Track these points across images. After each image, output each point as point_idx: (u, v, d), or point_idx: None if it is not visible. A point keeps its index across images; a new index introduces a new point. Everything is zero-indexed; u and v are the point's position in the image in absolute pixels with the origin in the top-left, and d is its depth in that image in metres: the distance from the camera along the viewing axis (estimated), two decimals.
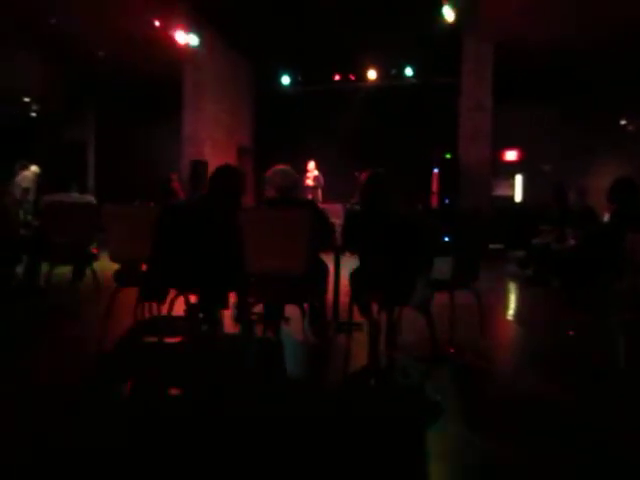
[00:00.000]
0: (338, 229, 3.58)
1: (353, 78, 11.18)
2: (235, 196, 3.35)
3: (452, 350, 3.42)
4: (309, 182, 10.12)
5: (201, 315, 3.49)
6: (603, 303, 3.89)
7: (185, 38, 9.18)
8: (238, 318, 3.61)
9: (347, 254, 3.84)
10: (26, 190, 8.65)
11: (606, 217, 4.97)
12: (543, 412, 2.50)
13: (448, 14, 8.08)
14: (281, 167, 3.41)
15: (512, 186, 11.10)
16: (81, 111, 12.30)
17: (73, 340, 3.53)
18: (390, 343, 3.39)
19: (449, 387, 2.80)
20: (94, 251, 4.58)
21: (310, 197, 10.07)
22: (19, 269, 4.63)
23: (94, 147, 12.64)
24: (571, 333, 3.91)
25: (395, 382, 2.95)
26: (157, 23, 8.68)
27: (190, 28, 9.15)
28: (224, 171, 3.56)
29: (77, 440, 2.11)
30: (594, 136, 10.17)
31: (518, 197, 11.11)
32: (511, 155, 11.10)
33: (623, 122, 10.69)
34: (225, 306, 3.38)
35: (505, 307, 5.12)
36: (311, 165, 10.18)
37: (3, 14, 8.05)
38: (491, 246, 8.19)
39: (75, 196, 4.80)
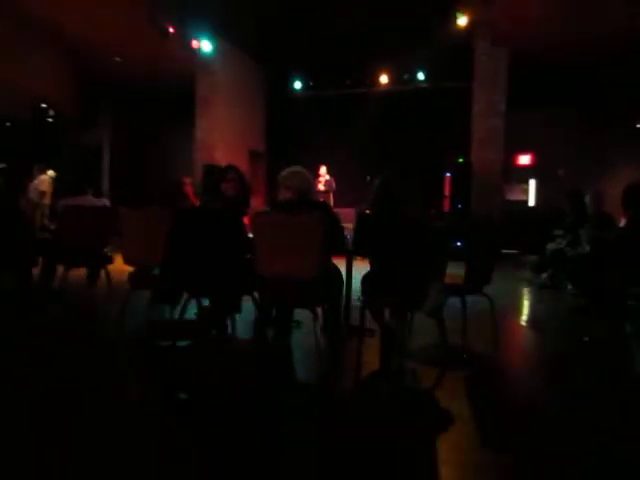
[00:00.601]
0: (349, 233, 3.57)
1: (365, 82, 11.20)
2: (240, 199, 3.34)
3: (465, 356, 3.40)
4: (320, 187, 10.15)
5: (213, 319, 3.51)
6: (619, 309, 3.84)
7: (198, 44, 9.28)
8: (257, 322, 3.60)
9: (358, 258, 3.83)
10: (43, 193, 8.80)
11: (622, 223, 4.91)
12: (552, 416, 2.47)
13: (461, 20, 8.08)
14: (297, 169, 3.33)
15: (525, 191, 11.01)
16: (96, 116, 12.47)
17: (86, 342, 3.56)
18: (402, 348, 3.37)
19: (461, 393, 2.78)
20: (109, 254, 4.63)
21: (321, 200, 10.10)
22: (35, 271, 4.69)
23: (109, 151, 12.80)
24: (586, 339, 3.86)
25: (407, 388, 2.93)
26: (171, 30, 8.79)
27: (203, 34, 9.25)
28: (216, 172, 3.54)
29: (86, 442, 2.14)
30: (609, 140, 10.07)
31: (531, 202, 11.02)
32: (524, 159, 11.02)
33: (639, 126, 10.55)
34: (237, 310, 3.39)
35: (519, 312, 5.07)
36: (322, 170, 10.20)
37: (22, 21, 8.21)
38: (504, 251, 8.13)
39: (90, 199, 4.85)
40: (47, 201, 8.82)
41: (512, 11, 7.69)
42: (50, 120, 11.41)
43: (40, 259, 4.70)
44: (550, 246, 6.01)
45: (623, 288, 3.66)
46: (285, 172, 3.33)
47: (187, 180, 9.76)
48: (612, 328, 3.96)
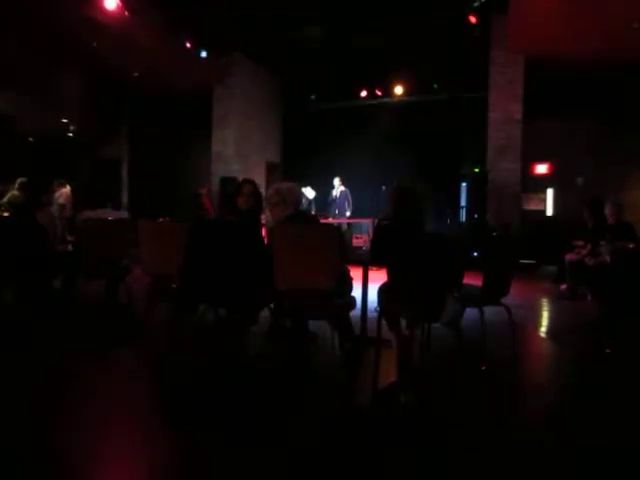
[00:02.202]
0: (366, 244, 3.58)
1: (380, 94, 11.25)
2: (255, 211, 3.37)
3: (483, 367, 3.35)
4: (335, 194, 10.18)
5: (230, 329, 3.53)
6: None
7: (214, 58, 9.45)
8: (268, 334, 3.62)
9: (374, 268, 3.83)
10: (62, 207, 8.97)
11: None
12: (573, 430, 2.42)
13: (475, 29, 8.09)
14: (290, 185, 3.41)
15: (543, 200, 10.89)
16: (116, 130, 12.72)
17: (103, 354, 3.60)
18: (419, 360, 3.35)
19: (480, 405, 2.74)
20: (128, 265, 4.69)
21: (336, 212, 10.12)
22: (56, 283, 4.78)
23: (127, 164, 13.02)
24: (608, 351, 3.78)
25: (424, 399, 2.90)
26: (188, 45, 8.96)
27: (219, 48, 9.41)
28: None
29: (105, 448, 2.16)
30: (629, 148, 9.90)
31: (549, 211, 10.89)
32: (542, 168, 10.91)
33: None
34: (253, 321, 3.41)
35: (538, 323, 5.00)
36: (336, 181, 10.22)
37: (43, 40, 8.44)
38: (522, 261, 8.02)
39: (110, 212, 4.95)
40: (67, 214, 9.00)
41: (526, 19, 7.67)
42: (71, 135, 11.67)
43: (61, 271, 4.79)
44: (569, 256, 5.92)
45: None
46: (278, 189, 3.35)
47: (203, 190, 9.91)
48: (634, 339, 3.88)
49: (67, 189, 9.34)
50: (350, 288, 3.39)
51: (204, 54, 9.26)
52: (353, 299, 3.35)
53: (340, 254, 3.01)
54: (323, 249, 2.92)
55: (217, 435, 2.32)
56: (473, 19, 8.32)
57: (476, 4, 8.09)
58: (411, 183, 3.25)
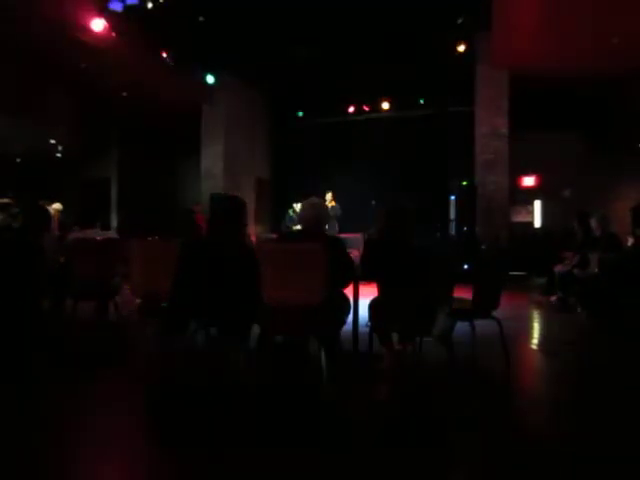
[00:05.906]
0: (356, 259, 3.57)
1: (367, 109, 11.38)
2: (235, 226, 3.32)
3: (474, 381, 3.35)
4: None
5: (221, 348, 3.50)
6: (631, 329, 3.79)
7: (203, 77, 9.52)
8: (258, 350, 3.59)
9: (365, 283, 3.83)
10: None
11: (630, 242, 4.90)
12: (565, 444, 2.42)
13: (460, 46, 8.25)
14: (310, 200, 3.33)
15: (531, 212, 11.01)
16: (105, 149, 12.70)
17: (94, 374, 3.55)
18: (410, 374, 3.34)
19: (473, 418, 2.73)
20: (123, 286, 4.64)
21: (327, 227, 10.11)
22: (44, 304, 4.71)
23: (117, 184, 12.98)
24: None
25: (416, 413, 2.89)
26: (177, 64, 9.02)
27: (207, 67, 9.49)
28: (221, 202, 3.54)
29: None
30: (615, 160, 10.06)
31: (537, 223, 11.00)
32: (529, 181, 11.05)
33: None
34: (245, 339, 3.38)
35: (529, 336, 5.01)
36: (328, 196, 10.26)
37: (33, 60, 8.46)
38: (512, 273, 8.07)
39: (98, 232, 4.92)
40: (55, 234, 8.93)
41: (510, 36, 7.82)
42: (59, 155, 11.64)
43: (49, 291, 4.72)
44: (558, 268, 5.97)
45: (634, 308, 3.62)
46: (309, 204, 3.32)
47: (197, 208, 9.89)
48: (626, 349, 3.90)
49: (54, 209, 9.28)
50: (348, 307, 3.37)
51: (192, 73, 9.33)
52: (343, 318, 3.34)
53: (332, 271, 2.98)
54: (309, 265, 2.92)
55: (204, 454, 2.28)
56: (458, 35, 8.50)
57: (461, 21, 8.27)
58: (400, 200, 3.27)
